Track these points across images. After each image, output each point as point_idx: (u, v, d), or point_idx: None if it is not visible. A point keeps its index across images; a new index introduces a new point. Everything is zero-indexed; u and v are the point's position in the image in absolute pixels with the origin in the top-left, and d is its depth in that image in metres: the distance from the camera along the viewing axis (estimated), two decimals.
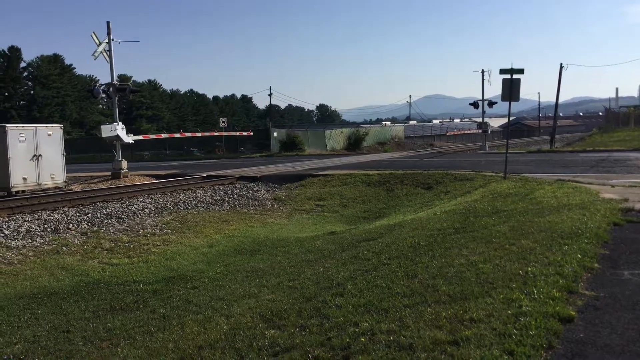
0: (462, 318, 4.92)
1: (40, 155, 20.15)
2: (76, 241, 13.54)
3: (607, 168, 20.91)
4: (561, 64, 44.71)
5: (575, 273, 5.92)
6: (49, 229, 14.16)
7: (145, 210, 17.02)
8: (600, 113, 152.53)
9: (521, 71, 17.14)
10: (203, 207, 18.38)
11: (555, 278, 5.74)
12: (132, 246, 13.42)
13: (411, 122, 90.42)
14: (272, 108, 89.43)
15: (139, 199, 18.32)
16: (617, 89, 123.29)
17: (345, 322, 5.37)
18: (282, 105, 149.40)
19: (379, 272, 7.44)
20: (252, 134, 53.61)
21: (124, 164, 25.72)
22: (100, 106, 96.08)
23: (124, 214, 16.29)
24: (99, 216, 15.71)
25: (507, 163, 18.46)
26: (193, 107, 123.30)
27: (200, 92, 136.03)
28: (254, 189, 21.36)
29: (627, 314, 4.83)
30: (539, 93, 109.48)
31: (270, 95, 77.41)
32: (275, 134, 48.70)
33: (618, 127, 79.29)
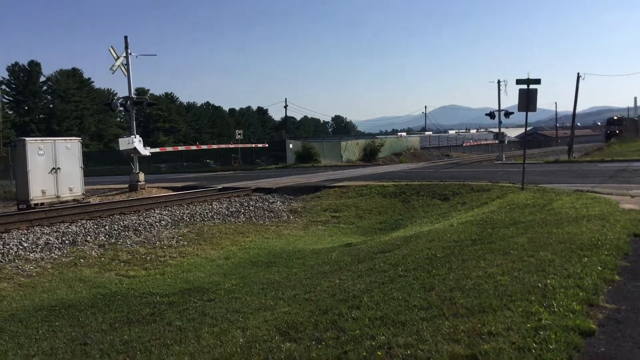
0: (480, 332, 4.85)
1: (58, 168, 20.39)
2: (94, 253, 13.64)
3: (627, 178, 20.64)
4: (578, 73, 44.46)
5: (595, 285, 5.82)
6: (67, 242, 14.28)
7: (162, 222, 17.11)
8: None
9: (538, 81, 17.02)
10: (219, 219, 18.43)
11: (575, 290, 5.65)
12: (148, 258, 13.48)
13: (427, 133, 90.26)
14: (287, 120, 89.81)
15: (156, 211, 18.42)
16: (635, 98, 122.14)
17: (361, 335, 5.32)
18: (298, 117, 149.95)
19: (395, 284, 7.38)
20: (267, 145, 53.82)
21: (141, 176, 25.93)
22: (118, 119, 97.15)
23: (141, 226, 16.39)
24: (116, 228, 15.82)
25: (525, 173, 18.28)
26: (209, 120, 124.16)
27: (217, 104, 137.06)
28: (270, 200, 21.39)
29: None
30: (556, 103, 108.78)
31: (285, 107, 77.81)
32: (290, 146, 48.83)
33: (637, 137, 78.37)
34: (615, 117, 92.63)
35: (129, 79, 25.98)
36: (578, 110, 48.22)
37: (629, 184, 18.34)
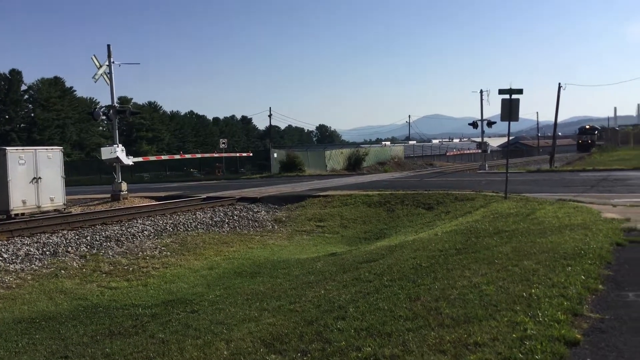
0: (466, 342, 4.84)
1: (39, 177, 20.13)
2: (75, 264, 13.45)
3: (608, 187, 20.87)
4: (559, 83, 44.98)
5: (579, 295, 5.85)
6: (47, 253, 14.07)
7: (145, 232, 16.94)
8: None
9: (520, 91, 17.20)
10: (203, 228, 18.30)
11: (559, 300, 5.67)
12: (131, 269, 13.32)
13: (411, 142, 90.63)
14: (272, 129, 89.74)
15: (139, 221, 18.24)
16: (615, 108, 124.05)
17: (347, 346, 5.29)
18: (282, 126, 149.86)
19: (380, 294, 7.35)
20: (252, 154, 53.67)
21: (124, 185, 25.69)
22: (101, 128, 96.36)
23: (123, 236, 16.21)
24: (98, 239, 15.63)
25: (508, 183, 18.42)
26: (193, 129, 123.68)
27: (201, 113, 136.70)
28: (254, 210, 21.30)
29: (633, 336, 4.75)
30: (537, 113, 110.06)
31: (270, 116, 77.75)
32: (275, 155, 48.71)
33: (617, 146, 79.57)
34: (587, 127, 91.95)
35: (112, 88, 25.79)
36: (559, 119, 48.85)
37: (611, 193, 18.55)
